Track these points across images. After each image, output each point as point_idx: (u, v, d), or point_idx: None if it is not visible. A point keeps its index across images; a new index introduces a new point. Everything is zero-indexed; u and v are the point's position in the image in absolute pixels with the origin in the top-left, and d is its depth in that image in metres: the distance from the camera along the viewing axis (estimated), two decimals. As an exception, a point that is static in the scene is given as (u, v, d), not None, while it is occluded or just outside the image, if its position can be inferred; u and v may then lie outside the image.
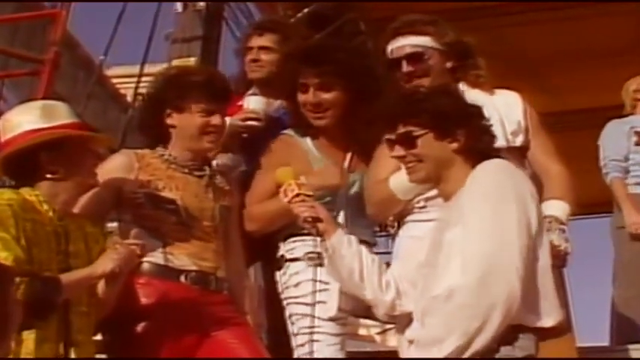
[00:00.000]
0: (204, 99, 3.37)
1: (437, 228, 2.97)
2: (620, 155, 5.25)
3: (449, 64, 3.56)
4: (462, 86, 3.51)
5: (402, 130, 2.93)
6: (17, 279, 2.74)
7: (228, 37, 6.40)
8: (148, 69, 5.99)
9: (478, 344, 2.63)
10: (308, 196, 3.06)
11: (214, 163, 3.64)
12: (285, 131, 3.75)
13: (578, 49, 6.82)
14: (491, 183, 2.81)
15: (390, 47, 3.59)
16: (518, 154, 3.48)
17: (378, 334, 6.97)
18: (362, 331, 6.82)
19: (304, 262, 3.49)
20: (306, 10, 6.18)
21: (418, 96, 3.03)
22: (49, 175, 3.04)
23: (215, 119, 3.38)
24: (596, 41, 6.72)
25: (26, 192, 3.03)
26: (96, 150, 3.17)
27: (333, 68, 3.60)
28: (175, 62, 5.49)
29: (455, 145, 2.90)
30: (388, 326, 6.20)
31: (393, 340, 6.16)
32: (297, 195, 3.05)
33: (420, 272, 2.94)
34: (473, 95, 3.36)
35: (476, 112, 2.97)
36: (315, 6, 6.24)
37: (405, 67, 3.52)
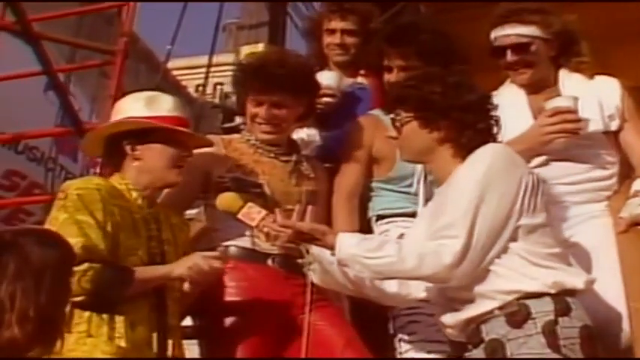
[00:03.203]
0: (253, 89, 3.39)
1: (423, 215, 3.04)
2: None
3: (553, 53, 3.54)
4: (562, 72, 3.52)
5: (392, 114, 2.99)
6: (86, 265, 2.78)
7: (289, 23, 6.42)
8: (205, 60, 6.04)
9: None
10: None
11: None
12: (373, 111, 3.75)
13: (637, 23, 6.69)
14: (482, 169, 2.77)
15: (494, 34, 3.55)
16: (614, 139, 3.49)
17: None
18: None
19: None
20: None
21: (409, 82, 3.04)
22: (134, 164, 3.07)
23: (260, 110, 3.38)
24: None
25: (116, 180, 3.07)
26: (186, 146, 3.13)
27: (416, 50, 3.57)
28: (244, 49, 5.50)
29: (435, 135, 2.88)
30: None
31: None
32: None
33: None
34: (572, 81, 3.42)
35: (473, 103, 2.91)
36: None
37: (510, 57, 3.50)
